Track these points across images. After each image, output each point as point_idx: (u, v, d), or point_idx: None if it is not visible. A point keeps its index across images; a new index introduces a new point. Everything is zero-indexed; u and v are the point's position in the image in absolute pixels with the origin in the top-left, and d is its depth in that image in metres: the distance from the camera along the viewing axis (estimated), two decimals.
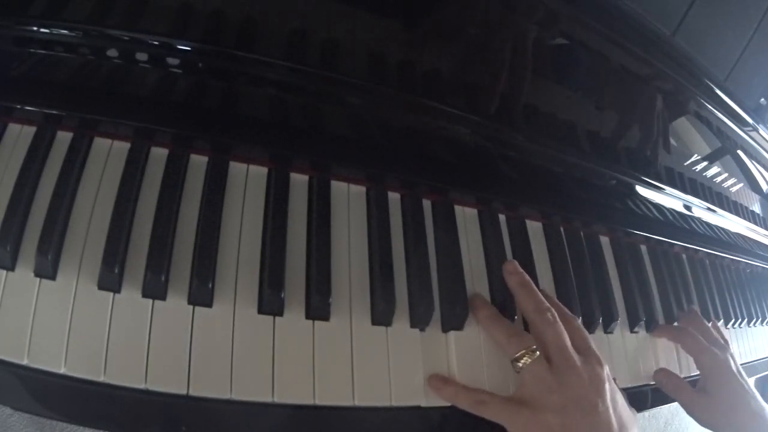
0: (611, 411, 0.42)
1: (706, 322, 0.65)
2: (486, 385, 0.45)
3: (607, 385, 0.43)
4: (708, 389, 0.59)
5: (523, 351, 0.43)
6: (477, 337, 0.47)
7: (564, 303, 0.52)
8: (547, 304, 0.47)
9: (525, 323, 0.49)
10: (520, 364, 0.43)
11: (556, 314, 0.46)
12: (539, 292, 0.48)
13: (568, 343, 0.44)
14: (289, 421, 0.39)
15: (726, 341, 0.64)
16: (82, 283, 0.36)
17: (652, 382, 0.59)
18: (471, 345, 0.47)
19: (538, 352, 0.43)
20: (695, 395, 0.58)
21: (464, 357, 0.46)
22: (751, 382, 0.61)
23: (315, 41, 0.43)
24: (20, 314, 0.34)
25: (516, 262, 0.50)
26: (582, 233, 0.61)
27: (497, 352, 0.47)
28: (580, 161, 0.57)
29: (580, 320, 0.51)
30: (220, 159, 0.44)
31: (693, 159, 0.66)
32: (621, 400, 0.45)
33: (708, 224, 0.75)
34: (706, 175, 0.69)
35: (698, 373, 0.61)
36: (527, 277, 0.49)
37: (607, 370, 0.45)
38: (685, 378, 0.61)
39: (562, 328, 0.45)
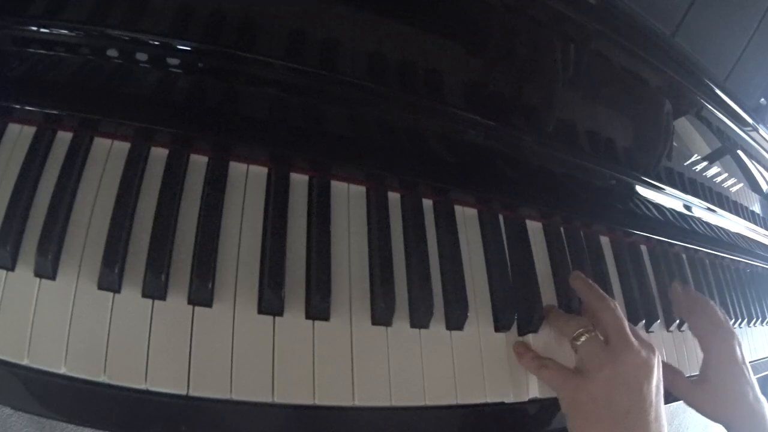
0: (653, 396, 0.44)
1: (715, 305, 0.64)
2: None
3: (655, 371, 0.45)
4: (709, 375, 0.58)
5: (582, 329, 0.45)
6: (476, 338, 0.47)
7: (564, 303, 0.52)
8: (609, 297, 0.49)
9: None
10: (579, 342, 0.45)
11: (617, 304, 0.48)
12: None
13: (627, 326, 0.46)
14: (289, 421, 0.39)
15: (730, 323, 0.64)
16: (82, 283, 0.36)
17: None
18: (471, 345, 0.47)
19: (595, 332, 0.45)
20: (694, 383, 0.58)
21: (464, 357, 0.46)
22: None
23: (315, 41, 0.43)
24: (20, 314, 0.34)
25: (580, 273, 0.53)
26: (582, 233, 0.61)
27: (497, 354, 0.47)
28: (580, 161, 0.57)
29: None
30: (220, 159, 0.44)
31: (693, 159, 0.66)
32: (662, 393, 0.47)
33: (708, 224, 0.75)
34: (706, 175, 0.69)
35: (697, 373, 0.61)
36: (590, 280, 0.52)
37: (659, 358, 0.46)
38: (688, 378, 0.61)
39: (621, 314, 0.47)
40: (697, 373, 0.61)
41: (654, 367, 0.45)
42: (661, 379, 0.46)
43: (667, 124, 0.61)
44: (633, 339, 0.45)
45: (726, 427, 0.58)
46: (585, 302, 0.51)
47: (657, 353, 0.46)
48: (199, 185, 0.43)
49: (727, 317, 0.64)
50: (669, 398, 0.60)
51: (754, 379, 0.59)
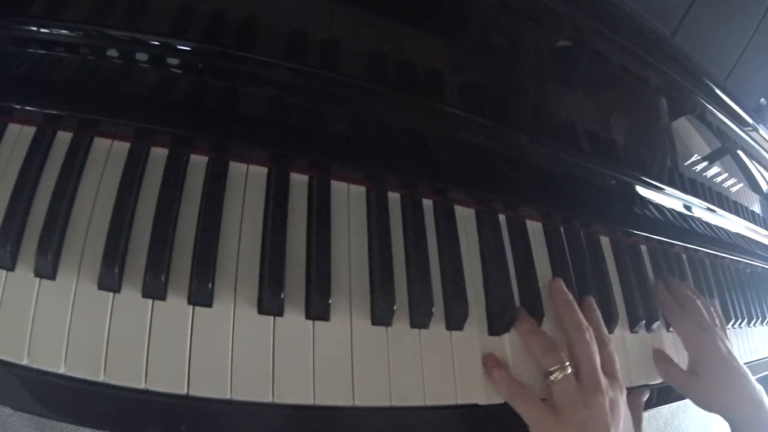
0: None
1: (695, 299, 0.65)
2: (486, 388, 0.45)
3: (622, 411, 0.47)
4: (697, 371, 0.59)
5: (557, 366, 0.46)
6: (475, 338, 0.47)
7: None
8: (587, 324, 0.50)
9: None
10: (552, 378, 0.46)
11: (593, 335, 0.49)
12: (580, 312, 0.51)
13: (599, 365, 0.47)
14: (289, 421, 0.39)
15: (717, 320, 0.65)
16: (82, 283, 0.36)
17: (652, 382, 0.59)
18: (471, 345, 0.47)
19: (569, 370, 0.46)
20: (686, 377, 0.59)
21: (464, 357, 0.46)
22: None
23: (315, 41, 0.43)
24: (20, 314, 0.34)
25: (561, 281, 0.54)
26: (582, 233, 0.61)
27: (497, 354, 0.47)
28: (580, 161, 0.57)
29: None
30: (220, 159, 0.44)
31: (693, 159, 0.66)
32: (630, 427, 0.49)
33: (708, 224, 0.75)
34: (706, 175, 0.69)
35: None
36: (571, 296, 0.52)
37: (624, 397, 0.48)
38: None
39: (596, 349, 0.48)
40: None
41: (621, 407, 0.47)
42: (629, 415, 0.49)
43: (667, 124, 0.61)
44: (603, 379, 0.47)
45: (725, 419, 0.59)
46: (562, 327, 0.51)
47: (624, 391, 0.48)
48: (199, 185, 0.43)
49: (714, 315, 0.65)
50: (669, 399, 0.60)
51: (745, 367, 0.59)
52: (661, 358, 0.60)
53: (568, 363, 0.46)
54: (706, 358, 0.60)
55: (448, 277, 0.48)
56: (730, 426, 0.59)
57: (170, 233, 0.39)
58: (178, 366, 0.36)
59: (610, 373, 0.48)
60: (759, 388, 0.59)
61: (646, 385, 0.59)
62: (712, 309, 0.66)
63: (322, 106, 0.46)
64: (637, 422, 0.53)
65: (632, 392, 0.56)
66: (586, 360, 0.47)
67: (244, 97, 0.44)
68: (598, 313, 0.54)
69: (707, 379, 0.59)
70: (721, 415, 0.59)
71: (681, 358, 0.63)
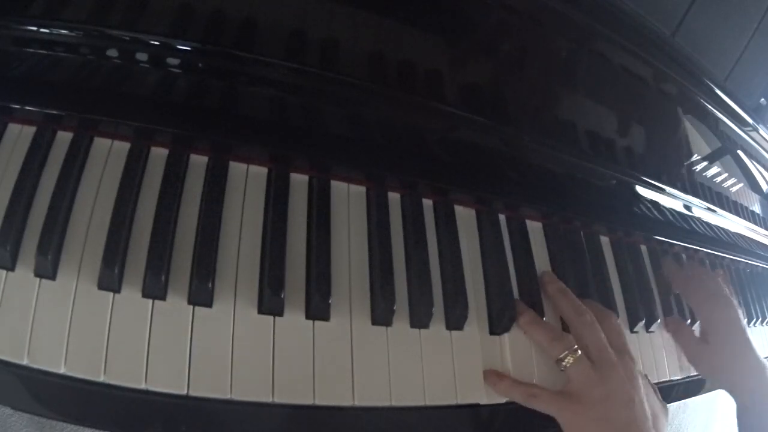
0: (645, 402, 0.46)
1: (712, 272, 0.66)
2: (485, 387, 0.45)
3: (640, 380, 0.47)
4: (709, 339, 0.60)
5: (566, 352, 0.46)
6: (476, 338, 0.47)
7: None
8: (584, 307, 0.50)
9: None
10: (565, 363, 0.46)
11: (593, 316, 0.49)
12: (575, 297, 0.51)
13: (606, 342, 0.48)
14: (289, 421, 0.39)
15: (732, 292, 0.65)
16: (82, 283, 0.36)
17: (654, 381, 0.59)
18: (471, 345, 0.47)
19: (579, 352, 0.46)
20: (697, 342, 0.60)
21: (464, 357, 0.46)
22: None
23: (315, 41, 0.43)
24: (20, 314, 0.34)
25: (551, 273, 0.54)
26: (582, 233, 0.61)
27: (495, 355, 0.47)
28: (580, 161, 0.57)
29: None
30: (220, 159, 0.44)
31: (693, 159, 0.66)
32: (652, 393, 0.49)
33: (708, 224, 0.75)
34: (706, 175, 0.69)
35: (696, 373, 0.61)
36: (563, 284, 0.52)
37: (639, 365, 0.49)
38: (686, 378, 0.61)
39: (599, 328, 0.48)
40: (696, 374, 0.61)
41: (637, 376, 0.47)
42: (648, 382, 0.49)
43: (666, 124, 0.61)
44: (613, 354, 0.47)
45: (728, 390, 0.59)
46: (562, 314, 0.51)
47: (636, 360, 0.49)
48: (199, 185, 0.43)
49: (727, 285, 0.65)
50: (670, 399, 0.60)
51: (753, 342, 0.60)
52: (676, 323, 0.61)
53: (576, 346, 0.46)
54: (718, 326, 0.60)
55: (448, 277, 0.48)
56: (736, 401, 0.59)
57: (170, 233, 0.39)
58: (178, 366, 0.36)
59: (618, 345, 0.48)
60: (762, 360, 0.59)
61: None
62: (723, 279, 0.66)
63: (322, 106, 0.46)
64: (654, 389, 0.52)
65: None
66: (592, 340, 0.47)
67: (244, 97, 0.44)
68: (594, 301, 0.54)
69: (717, 348, 0.59)
70: (726, 390, 0.59)
71: (681, 359, 0.63)
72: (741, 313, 0.62)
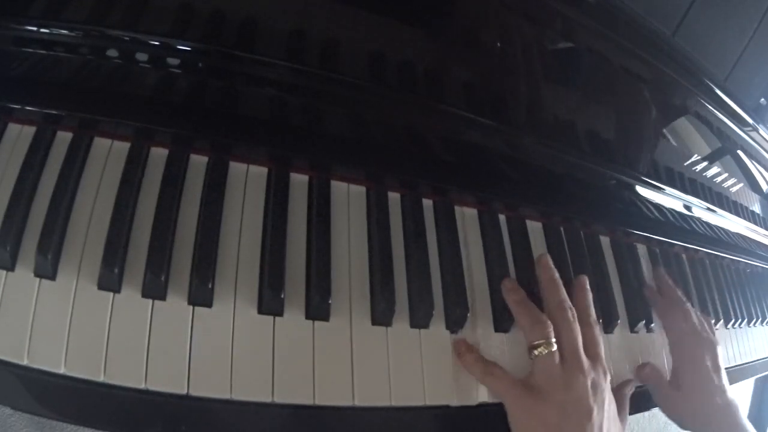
0: (604, 419, 0.44)
1: (688, 307, 0.62)
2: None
3: (605, 395, 0.45)
4: (680, 383, 0.57)
5: (542, 341, 0.45)
6: (476, 338, 0.47)
7: None
8: (569, 303, 0.48)
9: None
10: (536, 353, 0.45)
11: (575, 314, 0.48)
12: (564, 291, 0.49)
13: (581, 345, 0.46)
14: (289, 421, 0.39)
15: (707, 329, 0.61)
16: (82, 283, 0.36)
17: None
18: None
19: (554, 347, 0.45)
20: (668, 389, 0.57)
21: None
22: (746, 382, 0.59)
23: (315, 41, 0.43)
24: (20, 314, 0.34)
25: (549, 258, 0.52)
26: (582, 233, 0.61)
27: (497, 354, 0.47)
28: (580, 161, 0.57)
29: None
30: (220, 159, 0.44)
31: (693, 159, 0.66)
32: (614, 412, 0.47)
33: (708, 224, 0.75)
34: (706, 175, 0.69)
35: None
36: (557, 275, 0.51)
37: (609, 380, 0.47)
38: None
39: (578, 329, 0.47)
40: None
41: (604, 389, 0.45)
42: (612, 399, 0.47)
43: (667, 124, 0.61)
44: (585, 360, 0.45)
45: None
46: (545, 304, 0.49)
47: (608, 373, 0.47)
48: (199, 185, 0.43)
49: (705, 321, 0.62)
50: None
51: (725, 384, 0.57)
52: (653, 369, 0.58)
53: (554, 340, 0.45)
54: (693, 368, 0.57)
55: (448, 277, 0.48)
56: None
57: (170, 233, 0.39)
58: (178, 366, 0.36)
59: (592, 354, 0.47)
60: (731, 400, 0.56)
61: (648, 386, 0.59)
62: (702, 319, 0.63)
63: (322, 106, 0.46)
64: (622, 410, 0.50)
65: (619, 382, 0.54)
66: (567, 339, 0.46)
67: (244, 97, 0.44)
68: (590, 294, 0.52)
69: (688, 394, 0.56)
70: None
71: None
72: (719, 351, 0.59)
